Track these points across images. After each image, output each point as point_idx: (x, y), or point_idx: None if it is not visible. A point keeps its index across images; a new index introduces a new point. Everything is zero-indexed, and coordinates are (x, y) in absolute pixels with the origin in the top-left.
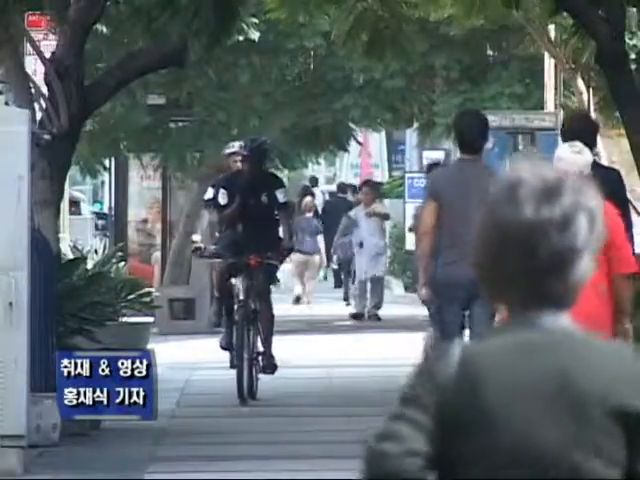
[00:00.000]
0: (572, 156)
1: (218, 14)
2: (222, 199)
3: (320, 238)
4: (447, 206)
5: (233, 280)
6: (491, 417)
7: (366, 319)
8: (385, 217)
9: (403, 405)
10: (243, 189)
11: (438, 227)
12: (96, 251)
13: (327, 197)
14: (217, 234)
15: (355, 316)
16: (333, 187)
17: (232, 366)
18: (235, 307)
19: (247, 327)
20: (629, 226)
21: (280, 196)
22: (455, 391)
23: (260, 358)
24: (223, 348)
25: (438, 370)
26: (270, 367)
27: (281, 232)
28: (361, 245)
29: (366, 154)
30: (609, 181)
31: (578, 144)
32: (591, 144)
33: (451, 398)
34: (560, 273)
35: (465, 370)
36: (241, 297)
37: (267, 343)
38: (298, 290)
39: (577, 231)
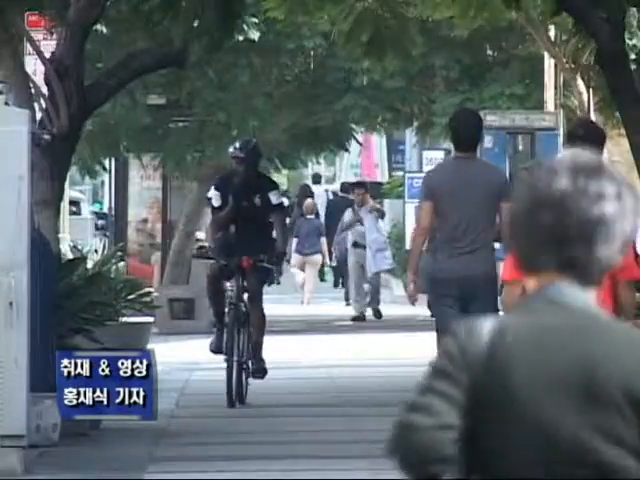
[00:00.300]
0: None
1: (220, 16)
2: (215, 201)
3: (323, 240)
4: (445, 203)
5: (227, 283)
6: (516, 397)
7: (368, 317)
8: (381, 214)
9: (434, 377)
10: (236, 191)
11: (436, 224)
12: (96, 251)
13: (331, 196)
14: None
15: (356, 319)
16: (337, 186)
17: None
18: (226, 310)
19: (238, 330)
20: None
21: (274, 198)
22: (484, 369)
23: (250, 362)
24: (213, 352)
25: (469, 346)
26: (260, 371)
27: (275, 234)
28: (355, 245)
29: (369, 155)
30: None
31: (579, 150)
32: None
33: (481, 375)
34: (587, 243)
35: (494, 349)
36: (232, 299)
37: (257, 346)
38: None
39: (609, 207)
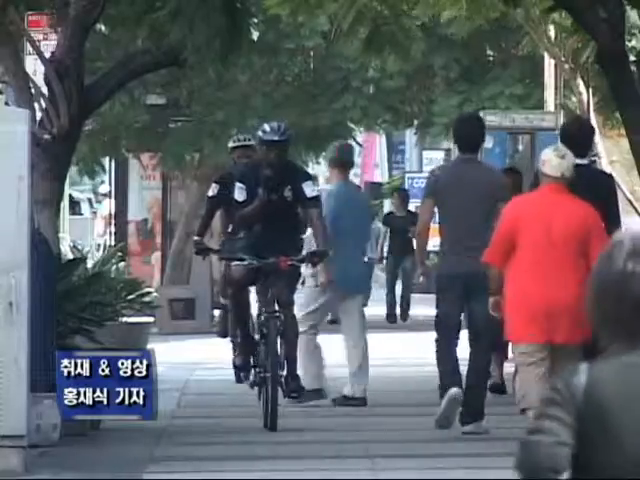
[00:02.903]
0: (555, 160)
1: (229, 19)
2: (240, 195)
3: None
4: (447, 203)
5: (254, 287)
6: (612, 432)
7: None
8: None
9: (548, 406)
10: (266, 182)
11: (440, 222)
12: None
13: None
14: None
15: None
16: None
17: (253, 385)
18: (256, 318)
19: (278, 341)
20: (617, 227)
21: (308, 190)
22: (585, 405)
23: (283, 380)
24: (239, 369)
25: (572, 382)
26: (298, 389)
27: (309, 232)
28: None
29: (369, 154)
30: (597, 185)
31: (562, 148)
32: (584, 148)
33: (582, 410)
34: None
35: (591, 389)
36: (270, 307)
37: (294, 361)
38: None
39: None
